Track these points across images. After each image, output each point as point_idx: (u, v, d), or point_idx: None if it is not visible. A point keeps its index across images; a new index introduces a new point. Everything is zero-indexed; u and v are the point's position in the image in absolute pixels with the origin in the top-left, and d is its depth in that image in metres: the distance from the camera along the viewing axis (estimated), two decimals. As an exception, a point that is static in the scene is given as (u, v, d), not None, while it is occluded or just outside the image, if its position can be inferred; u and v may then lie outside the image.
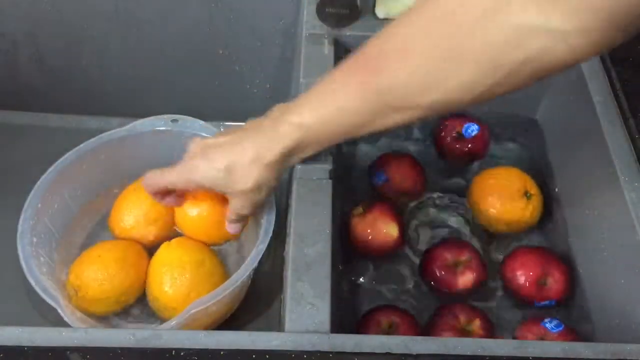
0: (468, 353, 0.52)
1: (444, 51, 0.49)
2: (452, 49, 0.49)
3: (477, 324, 0.68)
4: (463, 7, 0.47)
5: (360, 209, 0.75)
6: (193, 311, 0.61)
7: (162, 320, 0.68)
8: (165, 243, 0.70)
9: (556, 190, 0.79)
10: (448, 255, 0.73)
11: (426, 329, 0.69)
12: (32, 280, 0.63)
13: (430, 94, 0.51)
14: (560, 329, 0.67)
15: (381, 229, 0.73)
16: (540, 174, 0.82)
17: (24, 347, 0.51)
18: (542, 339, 0.66)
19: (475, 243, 0.77)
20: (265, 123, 0.60)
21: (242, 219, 0.67)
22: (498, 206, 0.75)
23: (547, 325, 0.67)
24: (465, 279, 0.71)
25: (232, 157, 0.60)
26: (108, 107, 0.91)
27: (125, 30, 0.84)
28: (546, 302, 0.71)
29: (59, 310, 0.61)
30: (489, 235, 0.78)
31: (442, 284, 0.72)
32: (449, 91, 0.50)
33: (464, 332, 0.67)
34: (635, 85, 0.72)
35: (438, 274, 0.72)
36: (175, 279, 0.67)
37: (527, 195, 0.75)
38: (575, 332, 0.67)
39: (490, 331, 0.68)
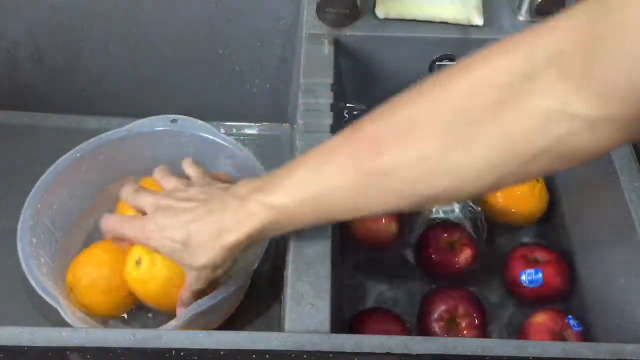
0: (468, 353, 0.52)
1: (453, 137, 0.45)
2: (462, 135, 0.45)
3: (460, 310, 0.68)
4: (477, 91, 0.44)
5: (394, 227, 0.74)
6: (192, 313, 0.61)
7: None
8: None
9: (556, 190, 0.79)
10: (443, 237, 0.73)
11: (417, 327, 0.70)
12: (32, 281, 0.63)
13: (436, 181, 0.46)
14: (580, 329, 0.67)
15: (380, 227, 0.73)
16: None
17: (24, 347, 0.50)
18: (562, 332, 0.67)
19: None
20: (230, 201, 0.55)
21: (195, 297, 0.62)
22: (506, 190, 0.76)
23: (571, 322, 0.67)
24: (466, 255, 0.72)
25: (189, 232, 0.55)
26: (108, 107, 0.91)
27: (125, 30, 0.84)
28: (531, 271, 0.71)
29: (60, 311, 0.61)
30: (490, 232, 0.79)
31: (442, 265, 0.72)
32: (455, 180, 0.46)
33: (452, 324, 0.68)
34: (635, 85, 0.72)
35: (437, 256, 0.72)
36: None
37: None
38: (590, 333, 0.68)
39: (477, 318, 0.68)
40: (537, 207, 0.77)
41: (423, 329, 0.69)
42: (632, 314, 0.61)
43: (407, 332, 0.69)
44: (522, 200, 0.76)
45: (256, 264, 0.65)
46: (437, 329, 0.68)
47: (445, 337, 0.54)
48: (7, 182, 0.83)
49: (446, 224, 0.76)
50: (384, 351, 0.52)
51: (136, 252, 0.66)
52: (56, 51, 0.86)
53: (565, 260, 0.73)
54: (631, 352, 0.53)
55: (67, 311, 0.61)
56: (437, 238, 0.73)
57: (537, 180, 0.76)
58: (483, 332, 0.69)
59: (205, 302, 0.62)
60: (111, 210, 0.75)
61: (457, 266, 0.72)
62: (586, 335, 0.68)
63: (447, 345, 0.52)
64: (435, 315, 0.68)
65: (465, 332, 0.68)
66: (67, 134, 0.89)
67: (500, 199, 0.76)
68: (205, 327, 0.67)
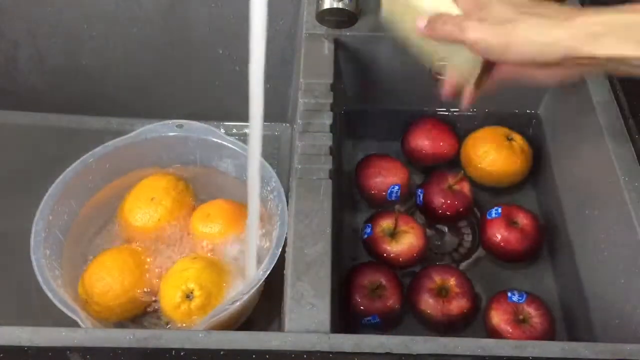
0: (468, 353, 0.52)
1: None
2: None
3: (452, 282, 0.71)
4: None
5: (390, 227, 0.75)
6: (216, 317, 0.61)
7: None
8: (179, 261, 0.70)
9: (557, 190, 0.79)
10: (442, 183, 0.78)
11: (407, 295, 0.72)
12: (50, 293, 0.62)
13: None
14: (525, 297, 0.70)
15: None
16: (541, 172, 0.82)
17: (24, 347, 0.51)
18: (520, 315, 0.69)
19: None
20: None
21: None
22: (486, 152, 0.80)
23: (514, 298, 0.70)
24: (467, 188, 0.78)
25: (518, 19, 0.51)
26: (108, 107, 0.91)
27: (125, 30, 0.84)
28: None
29: (79, 322, 0.61)
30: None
31: (448, 206, 0.77)
32: None
33: (441, 292, 0.70)
34: (635, 85, 0.72)
35: (443, 199, 0.77)
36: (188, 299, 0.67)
37: (509, 138, 0.81)
38: (537, 296, 0.71)
39: (466, 287, 0.71)
40: (520, 165, 0.80)
41: (414, 299, 0.71)
42: (632, 314, 0.61)
43: (398, 282, 0.71)
44: (503, 158, 0.80)
45: (271, 268, 0.65)
46: (429, 298, 0.70)
47: (445, 337, 0.54)
48: (6, 181, 0.83)
49: (435, 174, 0.80)
50: (384, 351, 0.52)
51: (184, 283, 0.66)
52: (56, 51, 0.86)
53: (565, 260, 0.74)
54: (631, 352, 0.53)
55: (86, 322, 0.61)
56: (439, 183, 0.78)
57: (510, 140, 0.81)
58: (474, 303, 0.71)
59: (226, 307, 0.62)
60: (113, 216, 0.75)
61: (467, 194, 0.78)
62: (586, 335, 0.68)
63: (447, 346, 0.52)
64: (428, 285, 0.71)
65: (454, 301, 0.70)
66: (67, 134, 0.89)
67: (483, 160, 0.81)
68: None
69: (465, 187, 0.78)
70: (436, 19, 0.55)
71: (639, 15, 0.48)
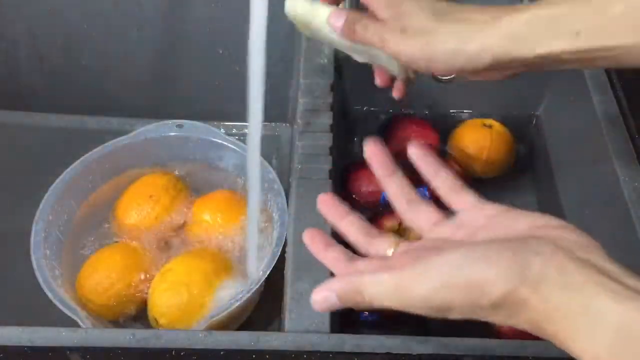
0: (468, 353, 0.52)
1: None
2: None
3: None
4: None
5: (395, 227, 0.75)
6: (214, 318, 0.61)
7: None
8: (172, 262, 0.70)
9: (556, 188, 0.79)
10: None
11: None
12: (50, 293, 0.62)
13: None
14: None
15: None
16: (541, 173, 0.82)
17: (24, 347, 0.51)
18: None
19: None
20: None
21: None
22: (466, 141, 0.82)
23: None
24: (456, 167, 0.81)
25: None
26: (108, 107, 0.91)
27: (125, 30, 0.84)
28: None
29: (80, 322, 0.61)
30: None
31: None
32: None
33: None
34: (635, 85, 0.72)
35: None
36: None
37: (486, 125, 0.83)
38: None
39: None
40: (497, 149, 0.82)
41: None
42: (632, 314, 0.61)
43: None
44: (480, 145, 0.81)
45: (270, 269, 0.65)
46: None
47: (445, 337, 0.54)
48: (6, 181, 0.83)
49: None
50: (384, 351, 0.52)
51: (150, 310, 0.67)
52: (56, 51, 0.86)
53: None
54: (631, 352, 0.53)
55: (86, 322, 0.61)
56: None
57: (489, 127, 0.82)
58: None
59: (226, 307, 0.62)
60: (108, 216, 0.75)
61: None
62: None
63: (447, 346, 0.52)
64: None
65: None
66: (67, 134, 0.89)
67: (465, 148, 0.82)
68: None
69: (455, 166, 0.81)
70: (355, 21, 0.52)
71: (558, 8, 0.46)
